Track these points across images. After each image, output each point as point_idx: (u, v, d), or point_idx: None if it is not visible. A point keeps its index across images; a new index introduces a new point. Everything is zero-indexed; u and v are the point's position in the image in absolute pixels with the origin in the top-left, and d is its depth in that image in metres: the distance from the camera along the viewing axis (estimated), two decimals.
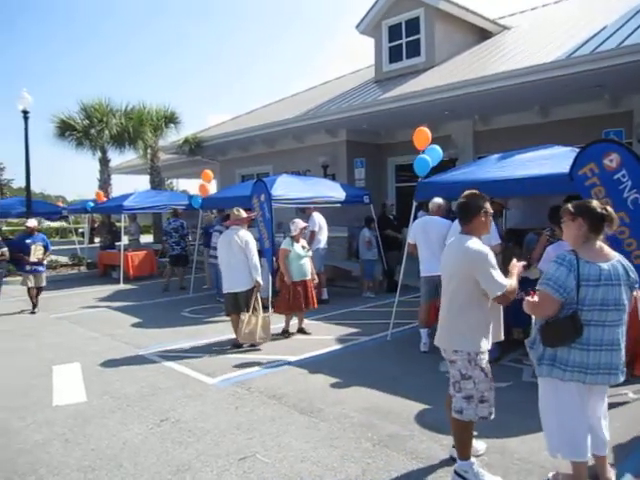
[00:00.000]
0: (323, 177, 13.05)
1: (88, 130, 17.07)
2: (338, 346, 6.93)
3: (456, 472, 3.37)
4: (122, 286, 12.85)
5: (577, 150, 5.39)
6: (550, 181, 5.51)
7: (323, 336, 7.38)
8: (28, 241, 9.76)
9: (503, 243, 6.13)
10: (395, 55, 13.92)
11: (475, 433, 3.50)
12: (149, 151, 18.81)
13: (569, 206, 3.12)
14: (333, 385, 5.39)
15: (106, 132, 16.90)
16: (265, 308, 7.29)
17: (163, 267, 13.70)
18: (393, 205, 11.99)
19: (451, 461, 3.58)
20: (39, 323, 8.98)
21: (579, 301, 2.89)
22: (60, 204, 22.10)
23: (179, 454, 3.94)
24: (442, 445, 3.86)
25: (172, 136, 19.35)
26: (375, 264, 10.55)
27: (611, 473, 3.23)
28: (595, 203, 3.08)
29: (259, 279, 6.92)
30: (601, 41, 8.78)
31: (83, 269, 15.98)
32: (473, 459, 3.39)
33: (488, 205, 3.44)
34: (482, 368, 3.32)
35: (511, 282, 3.27)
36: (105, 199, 16.20)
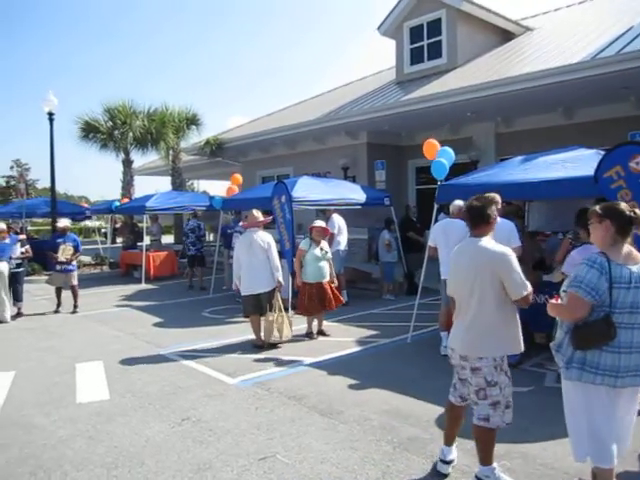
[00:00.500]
0: (343, 179, 13.07)
1: (112, 132, 17.34)
2: (358, 348, 6.92)
3: (478, 477, 3.34)
4: (144, 286, 13.01)
5: (602, 152, 5.32)
6: (575, 184, 5.44)
7: (343, 338, 7.38)
8: (59, 241, 9.96)
9: (523, 245, 6.06)
10: (417, 57, 13.89)
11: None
12: (171, 152, 19.04)
13: (597, 208, 3.08)
14: (353, 387, 5.39)
15: (130, 134, 17.14)
16: (285, 309, 7.31)
17: (184, 268, 13.83)
18: (415, 207, 11.95)
19: (467, 466, 3.54)
20: (62, 322, 9.13)
21: (612, 304, 2.85)
22: (84, 205, 22.47)
23: (200, 453, 3.98)
24: (463, 449, 3.83)
25: (194, 138, 19.58)
26: (395, 266, 10.51)
27: None
28: (623, 205, 3.03)
29: (281, 279, 7.00)
30: (627, 42, 8.66)
31: (106, 269, 16.20)
32: (495, 464, 3.36)
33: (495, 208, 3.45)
34: (506, 372, 3.30)
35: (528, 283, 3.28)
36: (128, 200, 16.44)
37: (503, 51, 12.75)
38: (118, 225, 21.76)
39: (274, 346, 6.94)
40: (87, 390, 5.49)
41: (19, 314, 9.47)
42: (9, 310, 9.17)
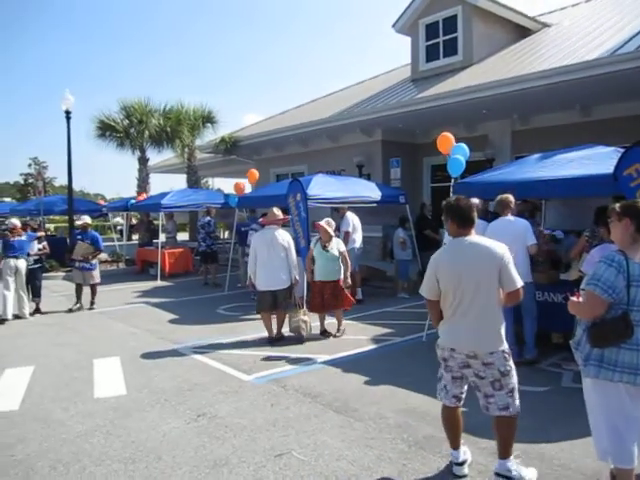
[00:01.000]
0: (358, 177, 13.04)
1: (128, 130, 17.49)
2: (373, 346, 6.91)
3: (499, 474, 3.34)
4: (159, 283, 13.12)
5: (621, 150, 5.25)
6: (593, 182, 5.39)
7: (358, 336, 7.38)
8: (78, 238, 10.08)
9: (538, 243, 6.01)
10: (432, 54, 13.78)
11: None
12: (186, 150, 19.14)
13: (616, 206, 3.05)
14: (368, 385, 5.39)
15: (146, 132, 17.28)
16: (299, 306, 7.32)
17: (199, 265, 13.92)
18: (430, 205, 11.90)
19: (483, 465, 3.53)
20: (80, 318, 9.23)
21: (629, 301, 2.83)
22: (101, 202, 22.70)
23: (216, 449, 4.01)
24: (479, 448, 3.82)
25: (209, 135, 19.68)
26: (409, 264, 10.48)
27: None
28: None
29: (298, 277, 7.15)
30: None
31: (122, 265, 16.35)
32: (511, 457, 3.38)
33: None
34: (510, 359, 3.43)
35: None
36: (144, 197, 16.57)
37: (519, 48, 12.61)
38: (134, 222, 21.97)
39: (298, 340, 7.03)
40: (104, 385, 5.55)
41: (37, 310, 9.59)
42: (27, 306, 9.30)
